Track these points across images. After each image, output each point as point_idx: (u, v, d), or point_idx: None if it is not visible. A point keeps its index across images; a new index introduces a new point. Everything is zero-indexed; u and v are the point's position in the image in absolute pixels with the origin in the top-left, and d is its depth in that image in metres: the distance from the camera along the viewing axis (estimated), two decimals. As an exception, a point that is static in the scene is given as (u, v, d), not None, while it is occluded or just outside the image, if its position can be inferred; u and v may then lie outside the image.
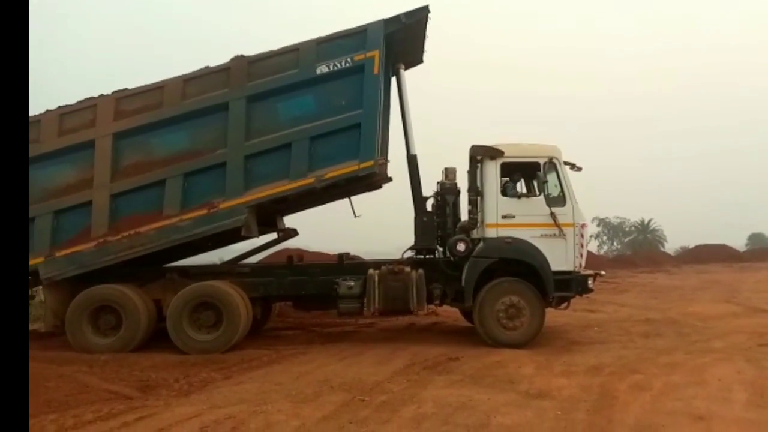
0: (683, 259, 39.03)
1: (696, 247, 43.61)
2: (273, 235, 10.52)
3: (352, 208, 10.38)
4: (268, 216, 9.86)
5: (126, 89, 9.02)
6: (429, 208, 9.60)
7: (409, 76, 10.15)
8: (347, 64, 8.76)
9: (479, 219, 8.95)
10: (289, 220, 11.19)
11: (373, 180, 9.78)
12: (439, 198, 9.58)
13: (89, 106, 8.92)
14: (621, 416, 5.32)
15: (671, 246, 53.68)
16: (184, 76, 8.94)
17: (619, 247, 56.83)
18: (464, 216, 9.47)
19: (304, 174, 8.69)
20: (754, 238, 65.74)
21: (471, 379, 6.75)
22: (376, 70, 8.72)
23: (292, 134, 8.75)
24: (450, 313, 11.45)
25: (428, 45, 10.20)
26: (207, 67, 9.00)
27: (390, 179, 10.58)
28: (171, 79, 8.96)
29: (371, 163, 8.68)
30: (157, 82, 8.98)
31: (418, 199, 9.50)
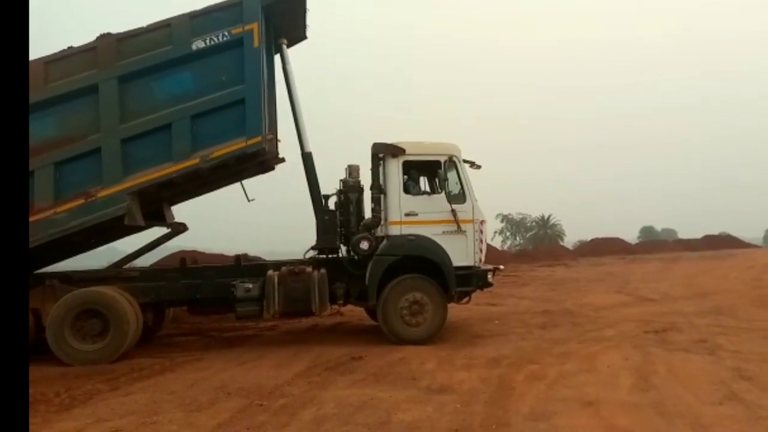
0: (580, 252, 41.31)
1: (592, 240, 46.44)
2: (162, 232, 9.92)
3: (245, 191, 10.13)
4: (155, 206, 9.37)
5: None
6: (332, 206, 9.48)
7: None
8: (225, 38, 8.48)
9: (382, 217, 8.95)
10: (189, 221, 10.64)
11: (264, 160, 9.55)
12: (342, 196, 9.47)
13: None
14: (517, 405, 5.48)
15: (570, 240, 56.86)
16: (44, 58, 8.32)
17: (521, 242, 59.44)
18: (368, 214, 9.42)
19: (188, 155, 8.36)
20: (645, 230, 70.97)
21: (373, 378, 6.73)
22: (256, 43, 8.49)
23: (171, 114, 8.39)
24: (355, 313, 11.41)
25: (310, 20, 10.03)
26: (70, 48, 8.44)
27: (282, 160, 10.35)
28: (30, 62, 8.27)
29: (259, 139, 8.44)
30: None
31: (317, 198, 9.35)
